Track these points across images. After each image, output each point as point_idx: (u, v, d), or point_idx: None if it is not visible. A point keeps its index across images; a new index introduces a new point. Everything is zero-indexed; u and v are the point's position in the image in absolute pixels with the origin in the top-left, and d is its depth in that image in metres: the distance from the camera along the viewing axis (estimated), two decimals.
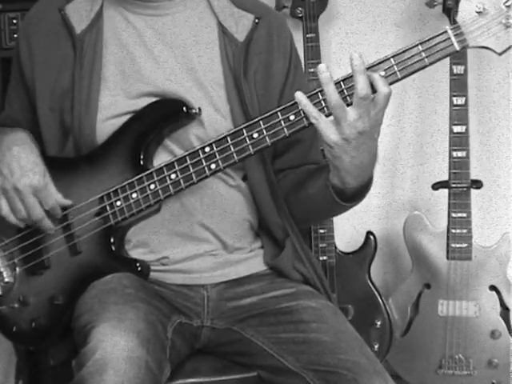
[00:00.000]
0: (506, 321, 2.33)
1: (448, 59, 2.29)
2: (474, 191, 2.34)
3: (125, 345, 1.22)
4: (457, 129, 2.30)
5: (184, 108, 1.42)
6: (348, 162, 1.31)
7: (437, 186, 2.37)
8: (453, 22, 2.28)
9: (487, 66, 2.51)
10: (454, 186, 2.32)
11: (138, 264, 1.44)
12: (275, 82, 1.52)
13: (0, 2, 2.13)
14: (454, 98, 2.29)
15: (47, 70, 1.50)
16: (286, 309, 1.46)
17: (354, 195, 1.40)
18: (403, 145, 2.58)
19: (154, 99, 1.45)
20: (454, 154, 2.31)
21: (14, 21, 2.13)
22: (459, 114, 2.30)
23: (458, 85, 2.28)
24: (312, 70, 2.30)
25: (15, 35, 2.13)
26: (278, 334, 1.43)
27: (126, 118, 1.44)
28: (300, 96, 1.29)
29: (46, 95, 1.50)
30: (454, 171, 2.31)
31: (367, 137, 1.29)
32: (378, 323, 2.37)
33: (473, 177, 2.33)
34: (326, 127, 1.28)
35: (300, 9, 2.35)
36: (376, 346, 2.36)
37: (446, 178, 2.33)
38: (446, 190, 2.34)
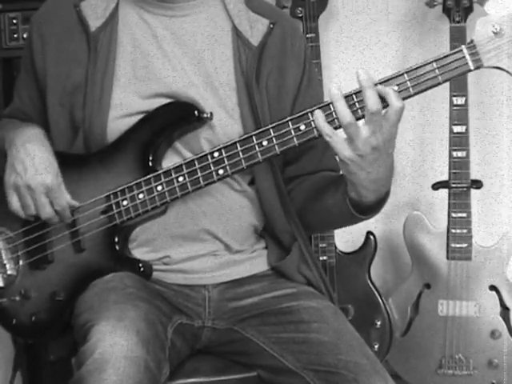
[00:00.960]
0: (506, 321, 2.33)
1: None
2: (474, 191, 2.34)
3: (124, 344, 1.22)
4: (457, 129, 2.30)
5: (196, 112, 1.41)
6: (364, 177, 1.31)
7: (437, 186, 2.37)
8: (452, 21, 2.28)
9: None
10: (454, 186, 2.32)
11: (140, 264, 1.44)
12: (288, 87, 1.51)
13: (0, 2, 2.13)
14: (454, 98, 2.29)
15: (60, 66, 1.49)
16: (287, 309, 1.46)
17: (372, 207, 1.39)
18: (403, 145, 2.58)
19: (166, 100, 1.45)
20: (454, 153, 2.31)
21: (14, 21, 2.13)
22: (459, 114, 2.30)
23: (458, 85, 2.28)
24: None
25: (15, 35, 2.13)
26: (279, 333, 1.43)
27: (137, 117, 1.44)
28: (317, 113, 1.29)
29: (56, 90, 1.49)
30: (454, 171, 2.31)
31: (382, 151, 1.28)
32: (378, 323, 2.37)
33: (473, 177, 2.33)
34: (340, 144, 1.28)
35: (300, 9, 2.35)
36: (376, 346, 2.36)
37: (446, 178, 2.33)
38: (446, 190, 2.34)
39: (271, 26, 1.51)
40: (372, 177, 1.31)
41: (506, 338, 2.32)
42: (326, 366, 1.34)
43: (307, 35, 2.34)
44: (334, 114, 1.29)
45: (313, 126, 1.31)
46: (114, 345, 1.21)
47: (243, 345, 1.47)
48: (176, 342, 1.41)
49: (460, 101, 2.29)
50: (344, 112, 1.26)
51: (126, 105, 1.45)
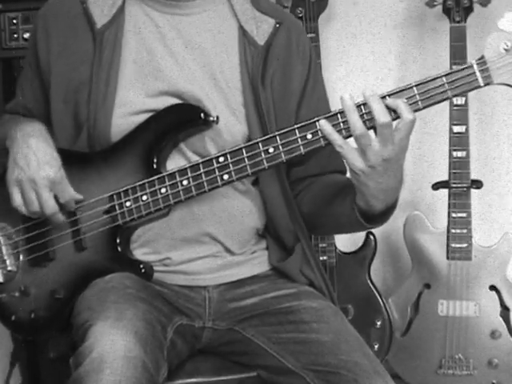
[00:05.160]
0: (506, 321, 2.33)
1: (448, 58, 2.29)
2: (474, 191, 2.34)
3: (122, 344, 1.22)
4: (457, 129, 2.30)
5: (202, 115, 1.40)
6: (374, 187, 1.31)
7: (437, 185, 2.37)
8: (452, 21, 2.28)
9: None
10: (454, 185, 2.32)
11: (141, 266, 1.43)
12: (293, 87, 1.51)
13: (0, 2, 2.13)
14: (454, 98, 2.29)
15: (64, 62, 1.49)
16: (287, 309, 1.46)
17: (379, 216, 1.39)
18: None
19: (171, 98, 1.44)
20: (454, 153, 2.31)
21: (14, 21, 2.13)
22: (459, 114, 2.30)
23: None
24: None
25: (15, 35, 2.13)
26: (279, 334, 1.43)
27: (142, 115, 1.43)
28: (323, 124, 1.29)
29: (61, 87, 1.48)
30: (454, 171, 2.31)
31: (392, 163, 1.29)
32: (378, 323, 2.37)
33: (473, 177, 2.33)
34: (352, 155, 1.28)
35: (300, 9, 2.35)
36: (376, 346, 2.36)
37: (446, 177, 2.33)
38: (446, 190, 2.34)
39: (277, 25, 1.50)
40: (382, 187, 1.31)
41: (506, 338, 2.32)
42: (326, 366, 1.34)
43: (307, 35, 2.34)
44: (341, 124, 1.29)
45: (320, 135, 1.31)
46: (112, 345, 1.21)
47: (243, 345, 1.47)
48: (176, 343, 1.41)
49: (460, 101, 2.29)
50: (357, 123, 1.26)
51: (130, 103, 1.44)
